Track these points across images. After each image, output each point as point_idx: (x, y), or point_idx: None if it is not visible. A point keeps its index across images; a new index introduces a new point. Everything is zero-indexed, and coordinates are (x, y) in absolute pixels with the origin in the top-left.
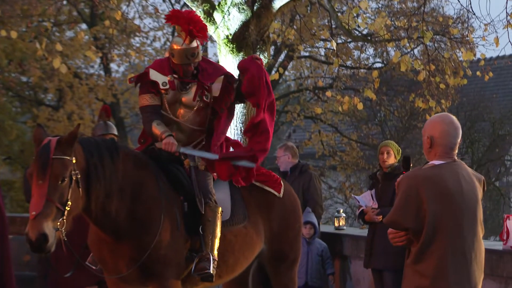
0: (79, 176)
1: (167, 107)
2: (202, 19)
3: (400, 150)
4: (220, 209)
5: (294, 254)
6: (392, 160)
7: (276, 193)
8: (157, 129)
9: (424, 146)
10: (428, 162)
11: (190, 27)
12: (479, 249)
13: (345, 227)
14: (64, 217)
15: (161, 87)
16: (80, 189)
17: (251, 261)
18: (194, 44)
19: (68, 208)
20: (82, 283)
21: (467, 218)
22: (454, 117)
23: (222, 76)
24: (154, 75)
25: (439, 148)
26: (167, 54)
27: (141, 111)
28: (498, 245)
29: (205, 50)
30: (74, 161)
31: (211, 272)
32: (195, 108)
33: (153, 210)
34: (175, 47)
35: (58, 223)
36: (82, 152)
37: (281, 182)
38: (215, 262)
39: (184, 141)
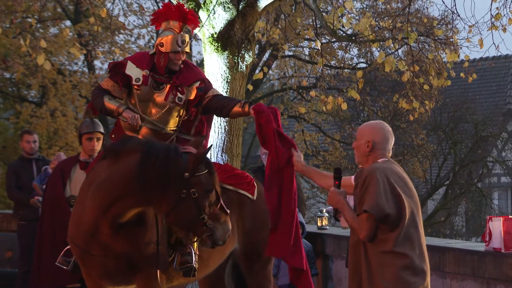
0: None
1: (137, 104)
2: None
3: None
4: None
5: None
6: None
7: (249, 196)
8: (110, 103)
9: (362, 150)
10: (359, 166)
11: (185, 9)
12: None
13: (327, 227)
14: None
15: (134, 82)
16: None
17: (224, 258)
18: (185, 33)
19: None
20: (64, 280)
21: (419, 206)
22: (388, 126)
23: (199, 81)
24: (130, 68)
25: (378, 151)
26: (152, 51)
27: (94, 89)
28: (480, 246)
29: (190, 48)
30: None
31: (194, 265)
32: (166, 108)
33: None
34: (164, 39)
35: None
36: None
37: (255, 183)
38: (196, 256)
39: (165, 132)
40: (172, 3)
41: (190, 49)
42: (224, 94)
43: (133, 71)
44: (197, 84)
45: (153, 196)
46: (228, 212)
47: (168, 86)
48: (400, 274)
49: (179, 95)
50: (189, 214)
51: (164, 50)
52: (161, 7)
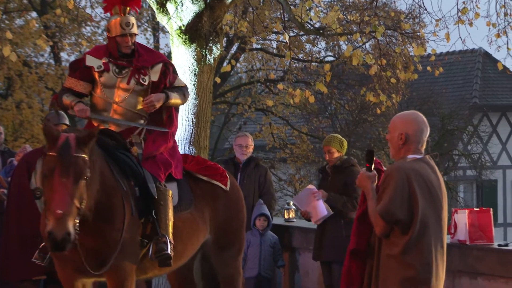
0: (89, 175)
1: (103, 90)
2: (155, 9)
3: (344, 141)
4: (170, 192)
5: (238, 244)
6: (336, 155)
7: (223, 187)
8: (67, 99)
9: (395, 143)
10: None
11: None
12: (445, 239)
13: (294, 219)
14: (80, 216)
15: (96, 70)
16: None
17: (197, 249)
18: (129, 16)
19: (83, 207)
20: (31, 273)
21: (443, 211)
22: (422, 115)
23: (161, 64)
24: (90, 60)
25: (412, 145)
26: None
27: (60, 90)
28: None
29: (157, 41)
30: (87, 159)
31: (169, 253)
32: (131, 90)
33: (115, 199)
34: (109, 24)
35: (77, 222)
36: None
37: (227, 174)
38: (172, 245)
39: (123, 125)
40: None
41: (158, 41)
42: (192, 87)
43: (93, 62)
44: (160, 65)
45: None
46: (60, 212)
47: (131, 70)
48: (403, 285)
49: (142, 76)
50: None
51: (110, 35)
52: None
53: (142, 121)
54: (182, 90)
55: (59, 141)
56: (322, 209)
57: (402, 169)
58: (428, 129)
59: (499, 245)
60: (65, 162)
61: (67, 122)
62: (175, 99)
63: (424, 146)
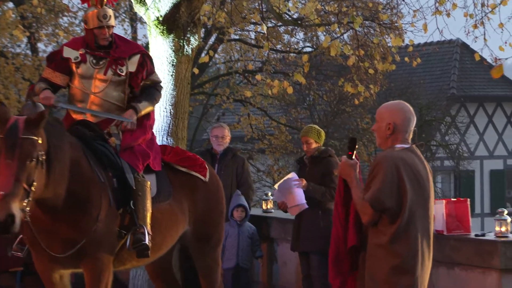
0: (44, 158)
1: (81, 81)
2: (133, 0)
3: (322, 132)
4: (149, 183)
5: (217, 236)
6: (313, 146)
7: (202, 178)
8: (37, 87)
9: (382, 133)
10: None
11: None
12: (432, 228)
13: (273, 210)
14: (30, 198)
15: (73, 61)
16: (44, 170)
17: (176, 240)
18: (106, 8)
19: (34, 189)
20: (8, 264)
21: (430, 200)
22: (409, 105)
23: (139, 54)
24: (67, 51)
25: (400, 134)
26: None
27: (37, 81)
28: None
29: (135, 31)
30: (40, 142)
31: (147, 243)
32: (109, 81)
33: (92, 190)
34: (87, 15)
35: (25, 204)
36: (43, 133)
37: (206, 165)
38: (150, 236)
39: (101, 117)
40: None
41: (136, 31)
42: (169, 78)
43: (71, 53)
44: (138, 56)
45: None
46: (2, 193)
47: (108, 61)
48: (390, 274)
49: (119, 67)
50: None
51: (88, 27)
52: None
53: (118, 112)
54: (154, 94)
55: (7, 124)
56: (300, 197)
57: (391, 158)
58: (415, 118)
59: (476, 235)
60: (11, 143)
61: None
62: (145, 109)
63: (411, 136)
